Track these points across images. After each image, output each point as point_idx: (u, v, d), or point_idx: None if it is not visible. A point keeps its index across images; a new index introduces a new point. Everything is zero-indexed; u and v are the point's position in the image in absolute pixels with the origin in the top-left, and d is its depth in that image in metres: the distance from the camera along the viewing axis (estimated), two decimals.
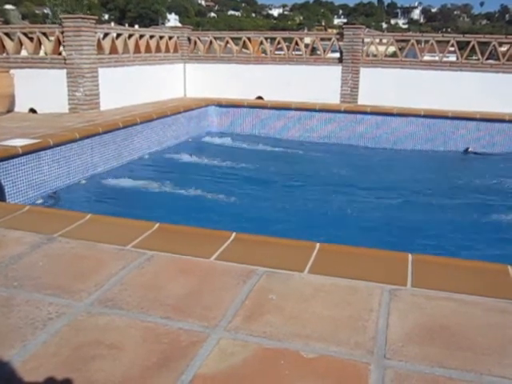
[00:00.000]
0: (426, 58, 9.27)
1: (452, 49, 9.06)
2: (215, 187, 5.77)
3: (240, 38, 10.02)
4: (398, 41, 9.59)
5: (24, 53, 7.92)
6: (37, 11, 64.34)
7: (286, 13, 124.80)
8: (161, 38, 9.50)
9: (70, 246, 2.65)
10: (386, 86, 9.03)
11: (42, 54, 7.91)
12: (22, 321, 1.91)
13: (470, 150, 8.25)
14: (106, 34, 8.01)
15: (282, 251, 2.63)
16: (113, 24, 35.67)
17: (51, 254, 2.54)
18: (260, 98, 9.78)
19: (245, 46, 10.10)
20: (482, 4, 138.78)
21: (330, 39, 9.67)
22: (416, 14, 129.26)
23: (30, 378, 1.59)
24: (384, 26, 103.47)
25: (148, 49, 9.01)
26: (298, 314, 2.00)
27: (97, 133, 6.01)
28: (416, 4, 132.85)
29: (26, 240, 2.71)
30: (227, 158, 7.26)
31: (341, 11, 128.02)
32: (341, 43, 9.40)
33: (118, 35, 8.32)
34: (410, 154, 8.34)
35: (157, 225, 2.93)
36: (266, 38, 10.02)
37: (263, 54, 10.22)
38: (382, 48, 9.53)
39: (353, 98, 9.32)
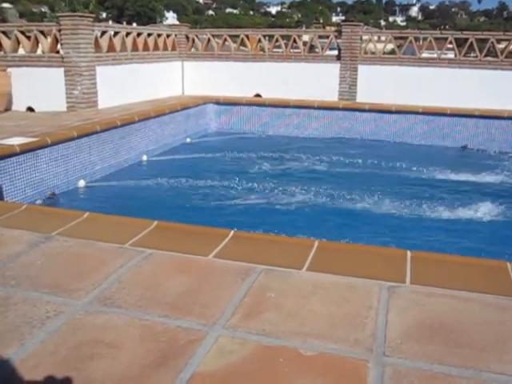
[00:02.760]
0: (425, 55, 9.26)
1: (450, 46, 9.07)
2: (214, 185, 5.76)
3: (238, 36, 10.00)
4: (396, 38, 9.58)
5: (21, 51, 7.90)
6: (34, 9, 64.16)
7: (283, 10, 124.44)
8: (158, 35, 9.48)
9: (67, 244, 2.64)
10: (385, 84, 9.03)
11: (39, 52, 7.88)
12: (20, 320, 1.90)
13: (468, 146, 8.25)
14: (103, 32, 7.98)
15: (281, 249, 2.62)
16: (110, 22, 35.60)
17: (49, 253, 2.53)
18: (258, 95, 9.77)
19: (243, 43, 10.08)
20: (479, 1, 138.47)
21: (328, 37, 9.66)
22: (414, 12, 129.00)
23: (29, 376, 1.58)
24: (382, 23, 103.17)
25: (146, 47, 8.99)
26: (296, 312, 1.99)
27: (95, 131, 6.00)
28: (414, 1, 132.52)
29: (23, 239, 2.70)
30: (225, 155, 7.25)
31: (339, 9, 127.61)
32: (339, 41, 9.40)
33: (116, 33, 8.30)
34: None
35: (155, 223, 2.92)
36: (264, 36, 10.01)
37: (261, 52, 10.19)
38: (380, 45, 9.53)
39: (351, 96, 9.32)
